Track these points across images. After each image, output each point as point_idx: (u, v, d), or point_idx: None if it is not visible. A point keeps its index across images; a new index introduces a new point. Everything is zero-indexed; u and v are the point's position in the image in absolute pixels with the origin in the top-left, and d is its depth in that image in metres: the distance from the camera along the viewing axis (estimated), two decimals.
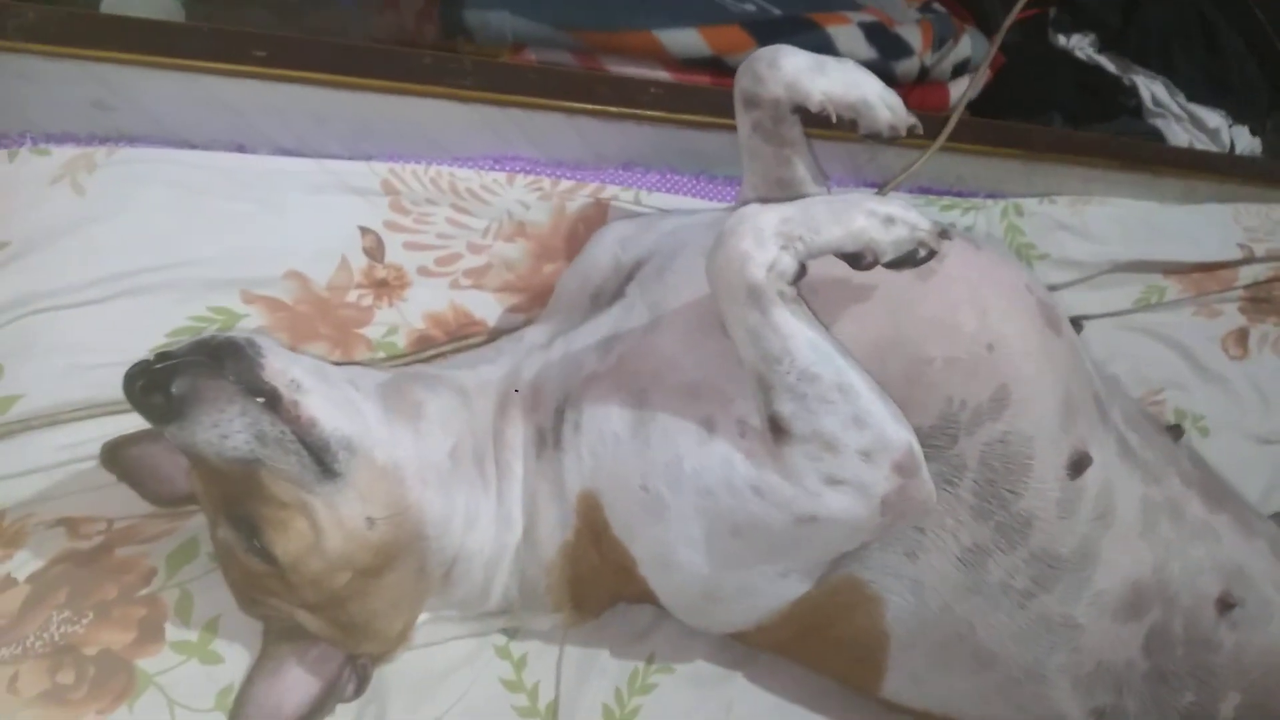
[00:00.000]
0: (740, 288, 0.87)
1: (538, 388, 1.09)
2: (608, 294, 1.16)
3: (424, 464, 1.01)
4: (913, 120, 1.10)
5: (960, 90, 1.91)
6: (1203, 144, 1.86)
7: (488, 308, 1.36)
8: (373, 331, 1.30)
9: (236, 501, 0.93)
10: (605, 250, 1.21)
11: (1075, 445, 1.01)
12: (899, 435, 0.89)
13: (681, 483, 0.95)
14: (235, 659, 1.08)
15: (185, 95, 1.22)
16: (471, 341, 1.33)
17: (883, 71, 1.36)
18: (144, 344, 1.17)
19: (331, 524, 0.93)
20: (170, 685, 1.05)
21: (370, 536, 0.95)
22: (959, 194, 1.63)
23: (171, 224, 1.20)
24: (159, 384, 0.86)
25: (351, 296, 1.30)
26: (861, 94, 1.07)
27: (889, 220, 0.90)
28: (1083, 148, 1.65)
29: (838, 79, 1.08)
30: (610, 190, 1.40)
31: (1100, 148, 1.66)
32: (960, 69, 1.89)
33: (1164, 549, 1.07)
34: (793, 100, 1.09)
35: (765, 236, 0.87)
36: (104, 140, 1.23)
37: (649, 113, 1.38)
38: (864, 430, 0.88)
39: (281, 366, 0.92)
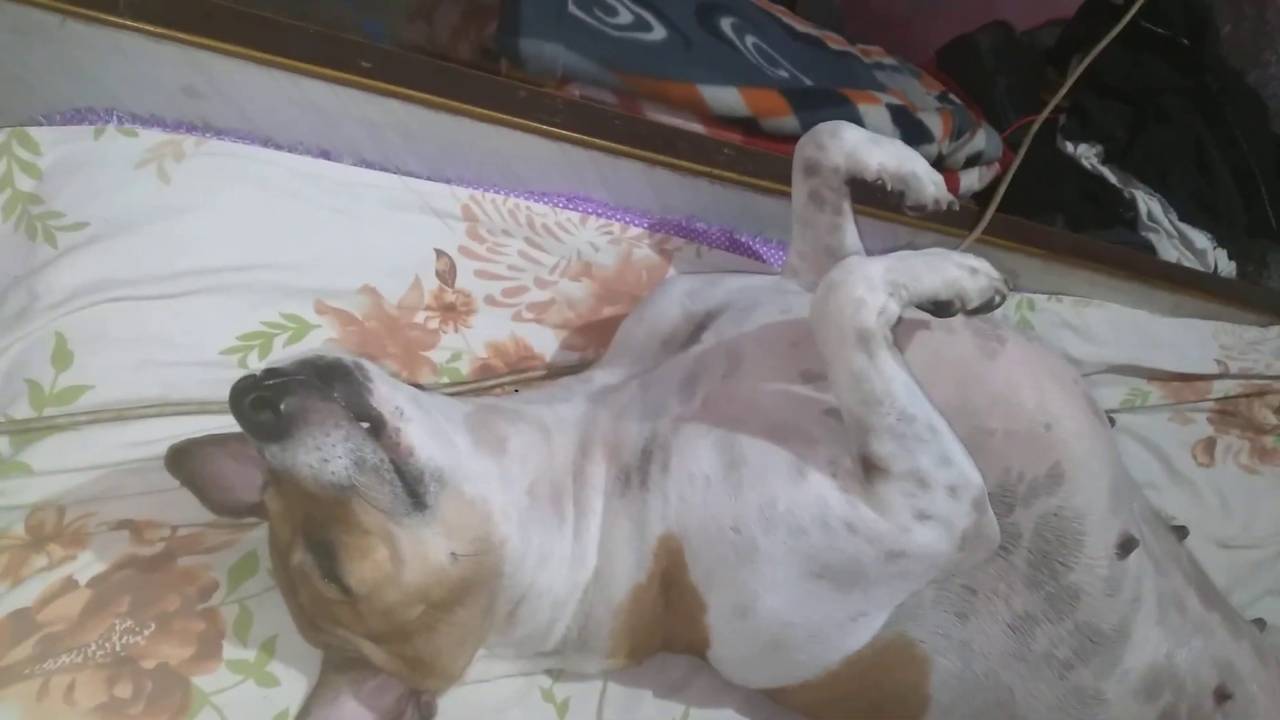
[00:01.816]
0: (851, 332, 0.91)
1: (620, 428, 1.09)
2: (679, 340, 1.18)
3: (507, 500, 1.00)
4: (951, 198, 1.20)
5: (969, 181, 2.01)
6: (1190, 262, 1.99)
7: (546, 343, 1.36)
8: (438, 355, 1.28)
9: (318, 526, 0.90)
10: (674, 301, 1.23)
11: (1123, 528, 1.07)
12: (975, 474, 0.95)
13: (775, 523, 0.97)
14: (291, 683, 1.04)
15: (280, 94, 1.19)
16: (530, 375, 1.32)
17: None
18: (217, 344, 1.13)
19: (414, 556, 0.91)
20: (226, 705, 1.00)
21: (451, 572, 0.93)
22: None
23: (255, 224, 1.16)
24: (268, 401, 0.82)
25: (419, 318, 1.28)
26: (912, 168, 1.17)
27: (974, 271, 0.97)
28: (1095, 254, 1.75)
29: (891, 153, 1.18)
30: (675, 243, 1.42)
31: (1109, 256, 1.76)
32: (973, 160, 1.98)
33: (1173, 638, 1.14)
34: (850, 170, 1.18)
35: (876, 284, 0.92)
36: (190, 128, 1.19)
37: (723, 173, 1.41)
38: (950, 468, 0.93)
39: (388, 393, 0.90)
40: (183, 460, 1.03)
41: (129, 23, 1.09)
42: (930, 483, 0.93)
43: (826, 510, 0.95)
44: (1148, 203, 1.97)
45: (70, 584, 0.99)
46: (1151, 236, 1.98)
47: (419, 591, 0.92)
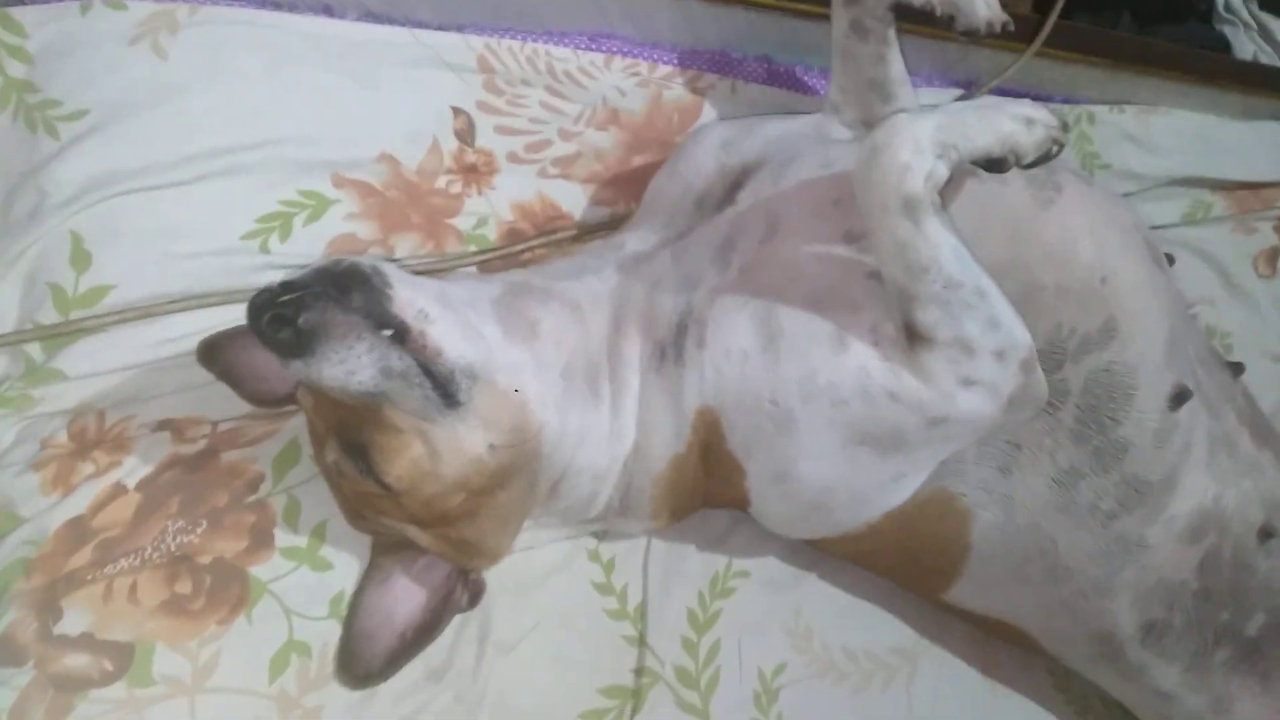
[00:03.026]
0: (896, 199, 0.87)
1: (654, 302, 1.06)
2: (714, 200, 1.12)
3: (542, 385, 0.99)
4: (1006, 17, 1.11)
5: None
6: (1268, 56, 1.83)
7: (574, 199, 1.31)
8: (463, 222, 1.24)
9: (351, 428, 0.90)
10: (708, 154, 1.17)
11: (1177, 379, 1.05)
12: (1024, 335, 0.92)
13: (815, 395, 0.95)
14: (344, 565, 1.08)
15: None
16: (559, 235, 1.28)
17: None
18: (235, 229, 1.11)
19: (452, 451, 0.91)
20: (284, 593, 1.04)
21: (489, 462, 0.94)
22: (1036, 97, 1.60)
23: (261, 96, 1.10)
24: (286, 318, 0.81)
25: (441, 182, 1.23)
26: None
27: (1030, 121, 0.91)
28: (1163, 59, 1.61)
29: None
30: (707, 79, 1.33)
31: (1178, 60, 1.63)
32: None
33: (1222, 480, 1.12)
34: None
35: (923, 146, 0.87)
36: None
37: (755, 0, 1.30)
38: (998, 331, 0.91)
39: (410, 296, 0.87)
40: (215, 353, 1.03)
41: None
42: (976, 349, 0.90)
43: (868, 380, 0.93)
44: None
45: (120, 489, 1.01)
46: (1227, 30, 1.82)
47: (458, 482, 0.93)
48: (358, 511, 0.99)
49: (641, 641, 1.17)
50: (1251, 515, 1.16)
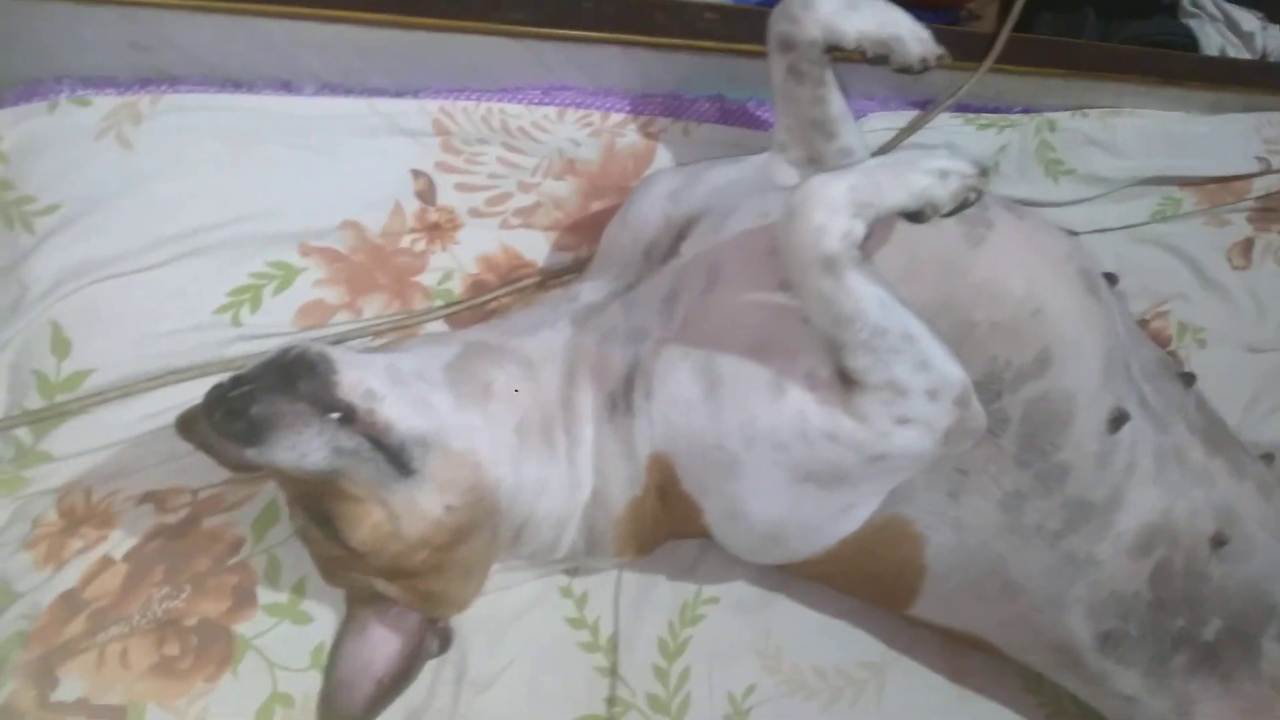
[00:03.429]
0: (816, 258, 0.91)
1: (604, 354, 1.11)
2: (661, 250, 1.17)
3: (495, 444, 1.04)
4: (941, 50, 1.13)
5: None
6: (1235, 48, 1.83)
7: (537, 247, 1.35)
8: (428, 279, 1.29)
9: (313, 499, 0.96)
10: (654, 205, 1.21)
11: (1114, 403, 1.09)
12: (956, 372, 0.96)
13: (756, 440, 1.00)
14: (324, 618, 1.15)
15: (226, 35, 1.15)
16: (523, 284, 1.32)
17: None
18: (208, 305, 1.16)
19: (410, 515, 0.97)
20: (267, 647, 1.11)
21: (448, 521, 0.99)
22: (996, 110, 1.62)
23: (225, 177, 1.16)
24: (238, 411, 0.87)
25: (405, 242, 1.28)
26: (894, 30, 1.11)
27: (944, 174, 0.94)
28: (1123, 64, 1.63)
29: (870, 16, 1.11)
30: (660, 123, 1.37)
31: (1139, 63, 1.64)
32: None
33: (1171, 493, 1.16)
34: (828, 40, 1.12)
35: (838, 207, 0.90)
36: (145, 83, 1.17)
37: (706, 43, 1.33)
38: (928, 372, 0.95)
39: (356, 379, 0.92)
40: (193, 425, 1.09)
41: None
42: (908, 390, 0.94)
43: (806, 424, 0.98)
44: None
45: (108, 561, 1.08)
46: (1193, 23, 1.83)
47: (420, 541, 0.99)
48: (330, 570, 1.05)
49: (613, 672, 1.23)
50: (1202, 525, 1.20)
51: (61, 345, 1.10)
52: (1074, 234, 1.65)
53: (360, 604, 1.10)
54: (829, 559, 1.14)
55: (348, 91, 1.25)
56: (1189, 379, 1.29)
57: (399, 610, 1.10)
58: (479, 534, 1.04)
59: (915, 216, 0.95)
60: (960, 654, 1.38)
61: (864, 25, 1.10)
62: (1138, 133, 1.69)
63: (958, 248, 1.04)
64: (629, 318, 1.12)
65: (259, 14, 1.13)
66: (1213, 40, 1.83)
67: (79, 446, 1.11)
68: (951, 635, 1.31)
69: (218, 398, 0.88)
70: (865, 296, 0.91)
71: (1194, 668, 1.25)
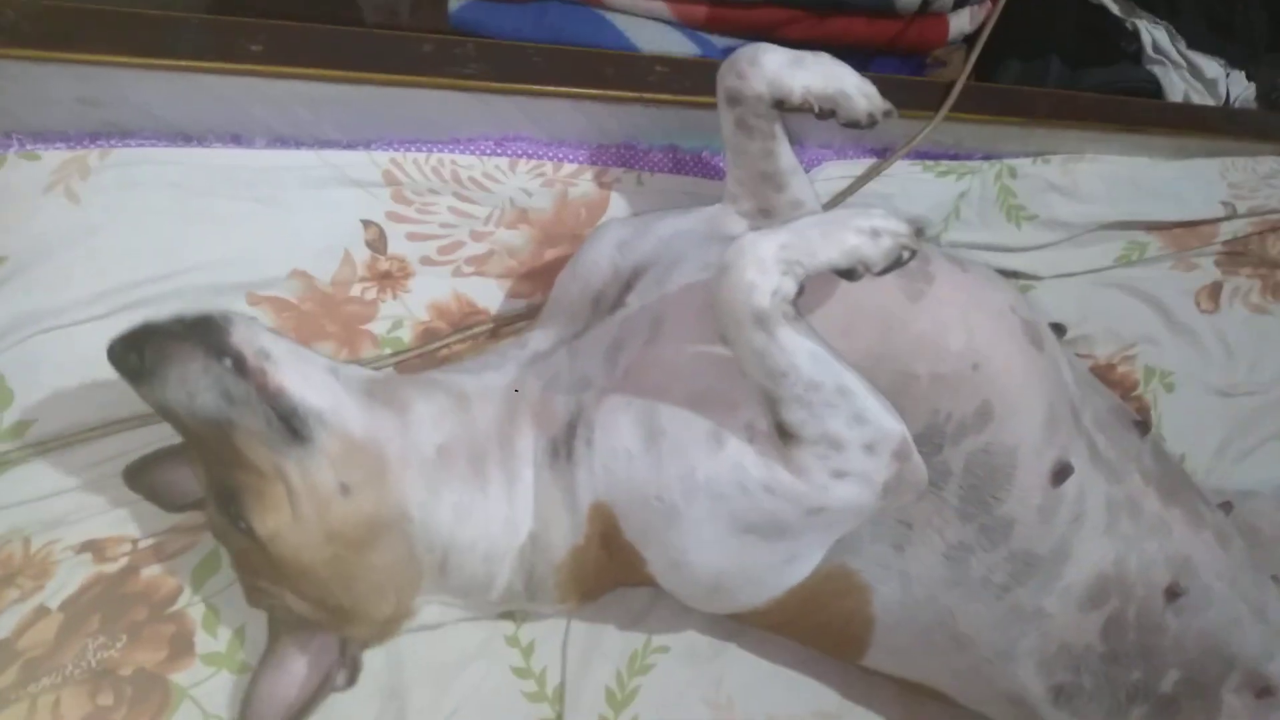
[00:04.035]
0: (746, 315, 0.92)
1: (547, 400, 1.12)
2: (608, 301, 1.18)
3: (407, 448, 1.04)
4: (888, 106, 1.15)
5: (959, 24, 1.86)
6: (1199, 94, 1.85)
7: (490, 295, 1.36)
8: (378, 327, 1.30)
9: (221, 474, 0.97)
10: (603, 255, 1.22)
11: (1058, 455, 1.09)
12: (893, 426, 0.97)
13: (695, 491, 1.01)
14: None
15: (176, 92, 1.17)
16: (475, 331, 1.33)
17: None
18: None
19: (305, 490, 0.96)
20: (203, 697, 1.11)
21: (346, 506, 0.98)
22: (955, 157, 1.63)
23: (173, 229, 1.17)
24: (134, 345, 0.92)
25: (355, 290, 1.29)
26: (840, 86, 1.12)
27: (875, 233, 0.96)
28: (1082, 111, 1.64)
29: (817, 72, 1.12)
30: (613, 173, 1.38)
31: (1098, 111, 1.65)
32: (962, 1, 1.84)
33: (1124, 544, 1.16)
34: (774, 95, 1.13)
35: (767, 265, 0.92)
36: (94, 137, 1.18)
37: (656, 96, 1.35)
38: (865, 426, 0.95)
39: (248, 336, 0.95)
40: (139, 474, 1.11)
41: (1, 50, 1.07)
42: (844, 443, 0.95)
43: (744, 475, 0.99)
44: (1152, 32, 1.81)
45: (43, 611, 1.09)
46: (1158, 70, 1.84)
47: (319, 527, 0.97)
48: (247, 581, 1.04)
49: None
50: (1157, 576, 1.20)
51: (4, 395, 1.11)
52: (1025, 282, 1.68)
53: (282, 634, 1.08)
54: (777, 609, 1.14)
55: (299, 144, 1.27)
56: (1143, 428, 1.29)
57: (322, 643, 1.09)
58: (390, 541, 1.03)
59: (848, 274, 0.96)
60: (918, 703, 1.37)
61: (810, 81, 1.12)
62: (1101, 178, 1.70)
63: (897, 301, 1.05)
64: (574, 366, 1.12)
65: (207, 71, 1.15)
66: (1176, 87, 1.84)
67: (20, 496, 1.11)
68: (908, 685, 1.30)
69: (121, 335, 0.93)
70: (797, 351, 0.93)
71: (1151, 719, 1.24)
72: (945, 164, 1.60)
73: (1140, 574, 1.18)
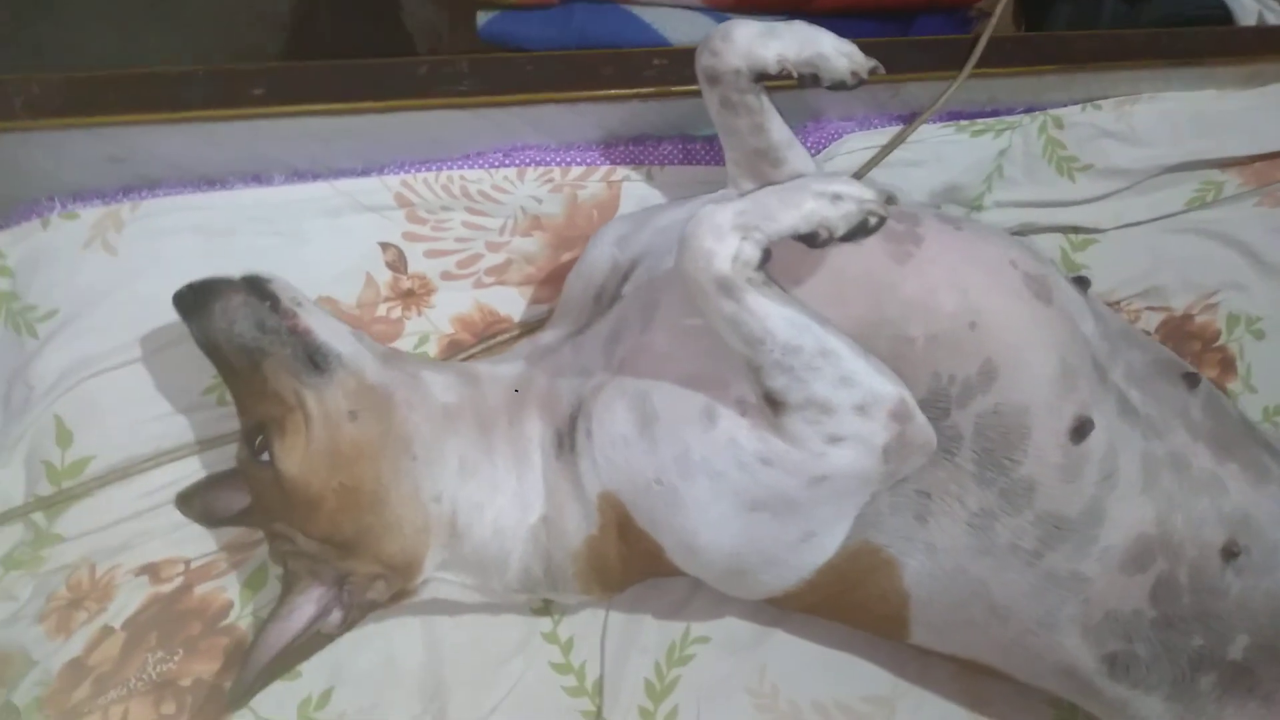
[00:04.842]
0: (710, 282, 0.94)
1: (552, 393, 1.16)
2: (608, 295, 1.21)
3: (415, 398, 1.11)
4: (873, 63, 1.14)
5: None
6: (1274, 12, 1.70)
7: (512, 303, 1.41)
8: (405, 343, 1.36)
9: (250, 408, 1.08)
10: (603, 251, 1.26)
11: (1077, 411, 1.05)
12: (887, 388, 0.97)
13: (692, 471, 1.03)
14: (311, 672, 1.23)
15: (193, 141, 1.25)
16: (502, 338, 1.38)
17: None
18: (196, 387, 1.27)
19: (319, 415, 1.05)
20: (257, 703, 1.19)
21: (353, 429, 1.06)
22: (993, 113, 1.56)
23: (202, 269, 1.23)
24: (191, 288, 1.07)
25: (381, 310, 1.36)
26: (816, 49, 1.12)
27: (836, 197, 0.97)
28: (1130, 50, 1.54)
29: (790, 39, 1.13)
30: (621, 172, 1.40)
31: (1150, 47, 1.54)
32: None
33: (1166, 503, 1.11)
34: (752, 68, 1.14)
35: (724, 231, 0.94)
36: (128, 191, 1.28)
37: (653, 90, 1.35)
38: (854, 388, 0.96)
39: (285, 287, 1.11)
40: (190, 500, 1.21)
41: (30, 122, 1.17)
42: (833, 407, 0.96)
43: (739, 450, 1.01)
44: None
45: (108, 630, 1.19)
46: None
47: (329, 452, 1.05)
48: (270, 529, 1.11)
49: (599, 716, 1.26)
50: (1210, 535, 1.14)
51: (64, 436, 1.23)
52: (1086, 236, 1.60)
53: (293, 588, 1.12)
54: (809, 590, 1.14)
55: (315, 177, 1.33)
56: (1192, 379, 1.22)
57: (328, 594, 1.12)
58: (391, 472, 1.07)
59: (810, 239, 0.97)
60: (979, 682, 1.34)
61: (783, 49, 1.12)
62: (1161, 118, 1.58)
63: (884, 266, 1.05)
64: (576, 359, 1.17)
65: (217, 119, 1.23)
66: (1248, 9, 1.70)
67: (84, 527, 1.22)
68: (966, 664, 1.27)
69: (183, 286, 1.08)
70: (770, 316, 0.94)
71: (1226, 690, 1.19)
72: (981, 122, 1.53)
73: (1189, 533, 1.12)
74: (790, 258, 1.02)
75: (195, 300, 1.06)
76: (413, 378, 1.13)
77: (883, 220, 0.98)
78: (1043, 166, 1.56)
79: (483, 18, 1.60)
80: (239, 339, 1.05)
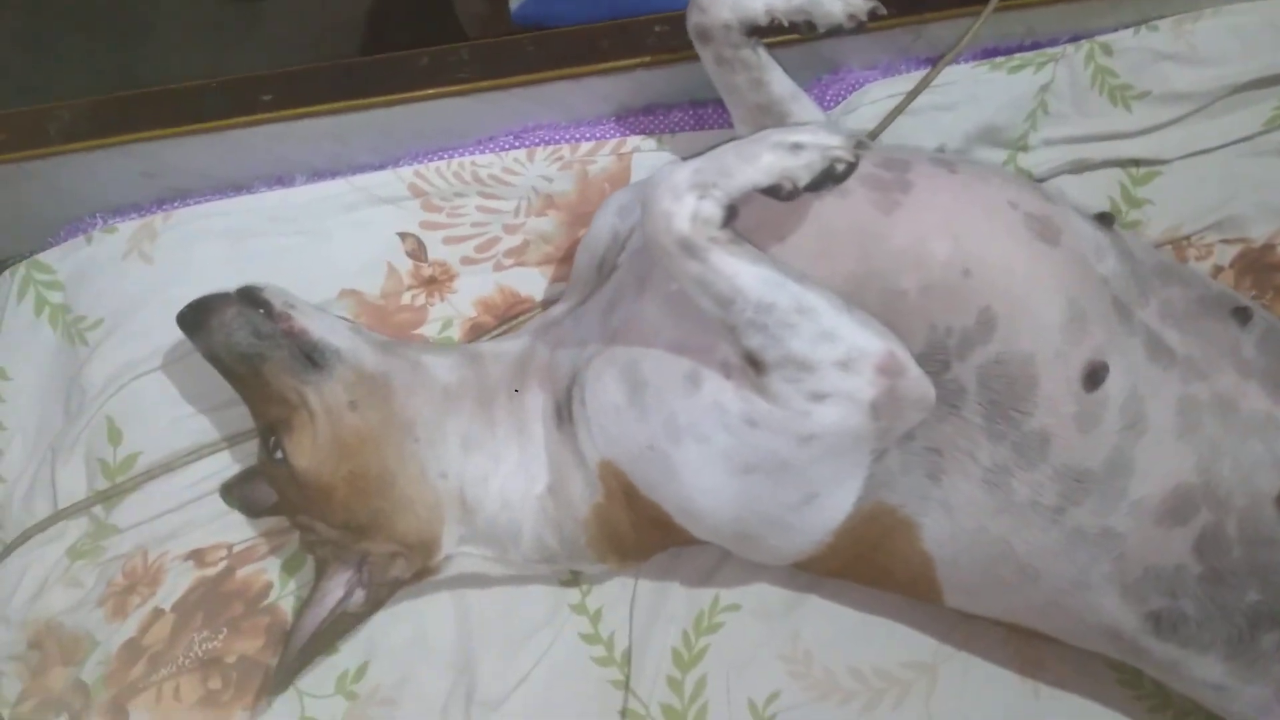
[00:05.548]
0: (672, 243, 0.93)
1: (554, 361, 1.17)
2: (609, 264, 1.22)
3: (414, 383, 1.15)
4: (872, 4, 1.11)
5: None
6: None
7: (533, 283, 1.42)
8: (430, 329, 1.39)
9: (261, 413, 1.13)
10: (606, 221, 1.26)
11: (1089, 356, 0.99)
12: (872, 342, 0.94)
13: (681, 436, 1.02)
14: (347, 649, 1.28)
15: (215, 150, 1.33)
16: (525, 318, 1.39)
17: None
18: (227, 385, 1.32)
19: (321, 410, 1.10)
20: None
21: (354, 419, 1.10)
22: (1034, 46, 1.47)
23: (231, 272, 1.31)
24: (191, 307, 1.13)
25: (405, 298, 1.40)
26: None
27: (796, 147, 0.94)
28: None
29: None
30: (632, 142, 1.39)
31: None
32: None
33: (1209, 449, 1.03)
34: (741, 21, 1.13)
35: (680, 190, 0.93)
36: (160, 203, 1.37)
37: (659, 57, 1.34)
38: (835, 343, 0.93)
39: (277, 293, 1.15)
40: (232, 490, 1.27)
41: (64, 146, 1.27)
42: (813, 364, 0.94)
43: (724, 413, 1.00)
44: None
45: (158, 612, 1.28)
46: None
47: (334, 443, 1.10)
48: (297, 523, 1.17)
49: (626, 686, 1.27)
50: (1262, 482, 1.05)
51: (115, 434, 1.32)
52: (1149, 168, 1.48)
53: (323, 575, 1.18)
54: (831, 554, 1.12)
55: (335, 174, 1.38)
56: (1244, 314, 1.13)
57: (350, 577, 1.17)
58: (395, 456, 1.12)
59: (774, 192, 0.94)
60: (1031, 645, 1.28)
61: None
62: (1229, 33, 1.44)
63: (870, 216, 1.01)
64: (576, 330, 1.18)
65: (233, 126, 1.30)
66: None
67: (137, 518, 1.31)
68: (1014, 628, 1.22)
69: (185, 307, 1.14)
70: (739, 274, 0.93)
71: None
72: (1019, 57, 1.44)
73: (1238, 481, 1.03)
74: (773, 214, 1.00)
75: (194, 318, 1.12)
76: (413, 363, 1.17)
77: (852, 166, 0.95)
78: (1093, 97, 1.45)
79: (515, 1, 1.62)
80: (237, 348, 1.10)
